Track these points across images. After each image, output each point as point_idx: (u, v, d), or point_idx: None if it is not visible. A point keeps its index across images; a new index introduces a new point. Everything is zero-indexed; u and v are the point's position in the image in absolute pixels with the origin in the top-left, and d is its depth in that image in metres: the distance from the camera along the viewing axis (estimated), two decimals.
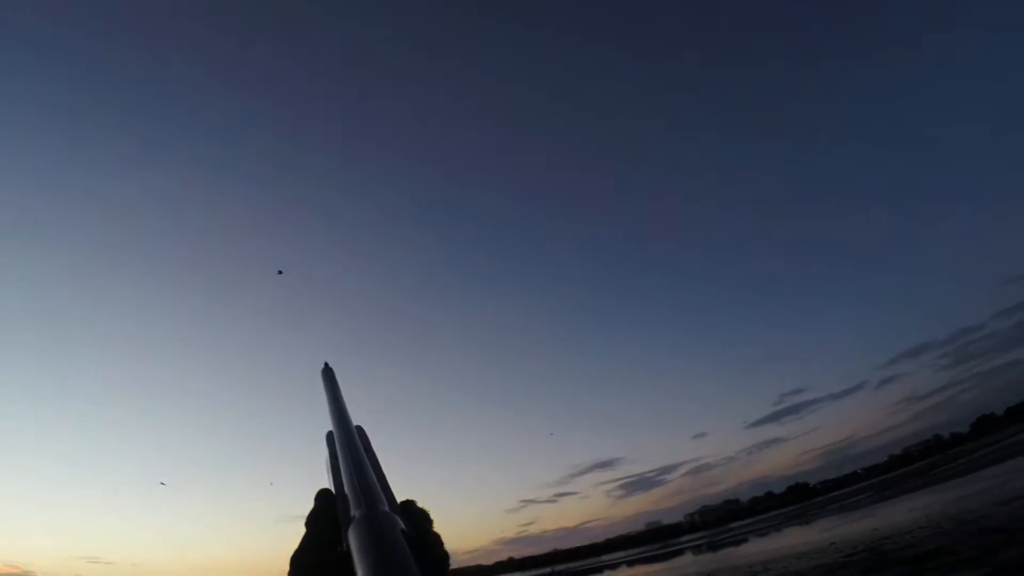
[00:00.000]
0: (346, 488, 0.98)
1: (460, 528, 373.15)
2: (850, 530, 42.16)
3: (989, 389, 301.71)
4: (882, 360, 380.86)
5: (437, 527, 1.04)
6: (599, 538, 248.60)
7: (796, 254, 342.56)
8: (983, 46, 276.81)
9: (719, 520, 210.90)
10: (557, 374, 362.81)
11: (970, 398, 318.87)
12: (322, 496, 1.02)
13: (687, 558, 74.28)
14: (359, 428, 1.23)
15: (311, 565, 0.93)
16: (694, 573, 42.68)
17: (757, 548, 57.69)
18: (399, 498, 1.06)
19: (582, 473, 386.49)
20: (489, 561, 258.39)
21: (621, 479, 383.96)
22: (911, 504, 47.60)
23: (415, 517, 0.97)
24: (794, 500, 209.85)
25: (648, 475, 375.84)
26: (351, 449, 1.08)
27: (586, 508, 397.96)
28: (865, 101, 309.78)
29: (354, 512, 0.90)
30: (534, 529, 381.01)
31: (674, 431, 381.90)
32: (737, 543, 74.06)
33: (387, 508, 0.90)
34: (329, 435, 1.22)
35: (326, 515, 0.98)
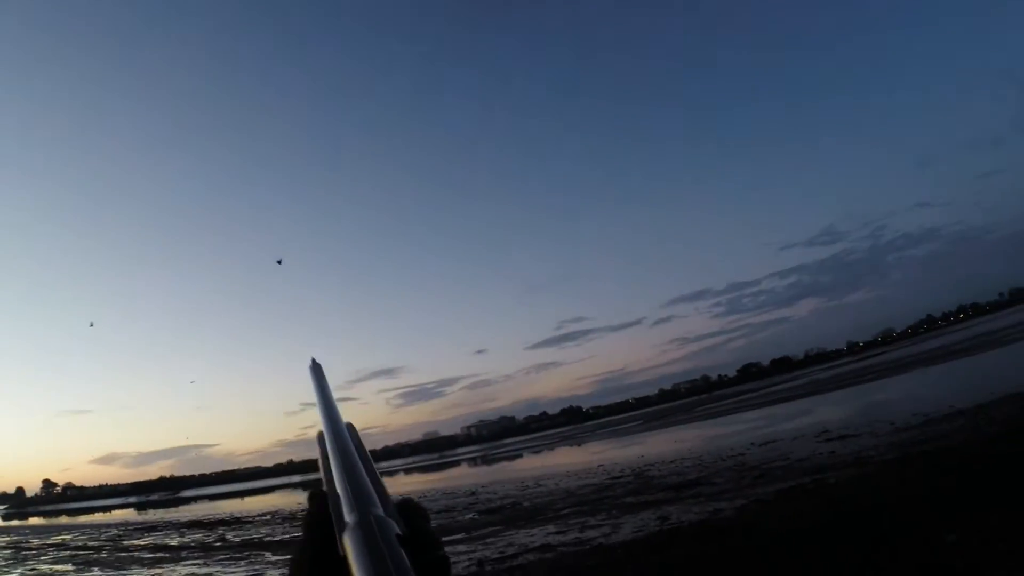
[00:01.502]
0: (339, 490, 0.91)
1: (239, 429, 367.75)
2: (618, 454, 44.46)
3: (757, 340, 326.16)
4: (661, 300, 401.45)
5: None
6: (378, 445, 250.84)
7: (590, 182, 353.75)
8: None
9: (494, 435, 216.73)
10: (342, 277, 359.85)
11: (739, 346, 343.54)
12: (316, 498, 0.95)
13: (463, 469, 76.17)
14: (349, 425, 1.14)
15: (309, 570, 0.90)
16: (469, 484, 43.74)
17: (530, 464, 59.97)
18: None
19: (364, 379, 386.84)
20: (268, 463, 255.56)
21: (402, 388, 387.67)
22: (676, 436, 50.73)
23: (411, 516, 0.89)
24: (567, 422, 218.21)
25: (428, 386, 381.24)
26: (343, 451, 1.02)
27: (366, 415, 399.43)
28: None
29: (347, 517, 0.83)
30: (312, 432, 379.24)
31: (456, 346, 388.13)
32: (511, 458, 76.69)
33: (381, 511, 0.83)
34: (320, 435, 1.13)
35: (321, 518, 0.91)
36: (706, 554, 10.36)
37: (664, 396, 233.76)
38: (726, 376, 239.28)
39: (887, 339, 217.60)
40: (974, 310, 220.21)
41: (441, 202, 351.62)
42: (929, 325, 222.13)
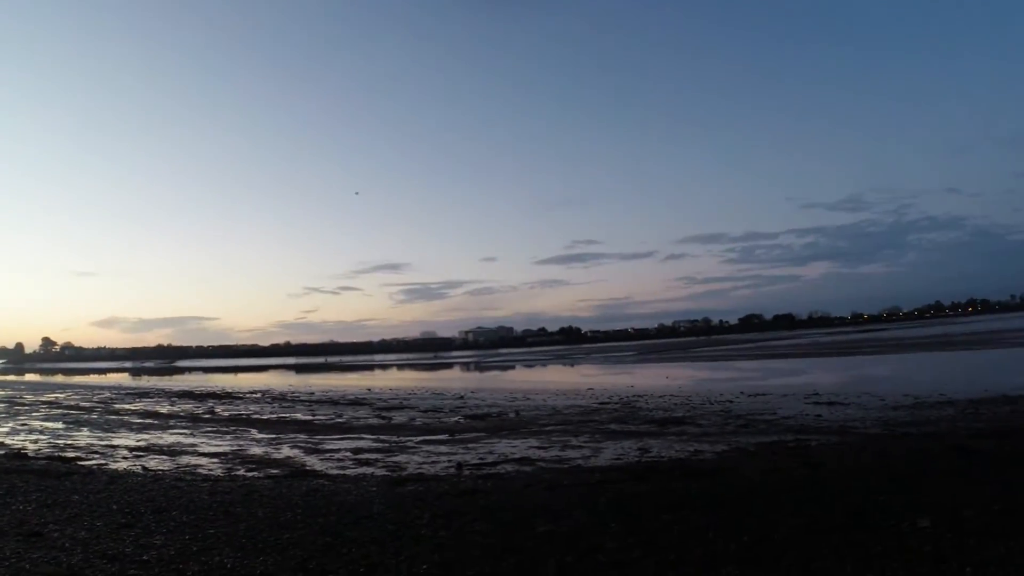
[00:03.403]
0: None
1: (241, 306, 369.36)
2: (609, 381, 44.97)
3: (763, 293, 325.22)
4: (675, 236, 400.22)
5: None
6: (374, 337, 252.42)
7: (616, 100, 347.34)
8: None
9: (491, 344, 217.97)
10: (358, 167, 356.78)
11: (744, 295, 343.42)
12: None
13: (455, 372, 77.15)
14: None
15: None
16: (459, 387, 44.39)
17: (521, 377, 60.68)
18: None
19: (369, 271, 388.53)
20: (265, 342, 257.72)
21: (405, 284, 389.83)
22: (668, 372, 51.16)
23: None
24: (564, 341, 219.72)
25: (432, 286, 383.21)
26: None
27: (367, 306, 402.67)
28: None
29: None
30: (314, 318, 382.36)
31: (465, 250, 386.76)
32: (504, 368, 77.59)
33: None
34: None
35: None
36: (680, 491, 10.59)
37: (663, 332, 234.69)
38: (727, 322, 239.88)
39: (892, 316, 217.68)
40: (983, 306, 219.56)
41: (463, 106, 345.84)
42: (936, 311, 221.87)
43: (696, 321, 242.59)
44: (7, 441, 20.94)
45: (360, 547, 8.24)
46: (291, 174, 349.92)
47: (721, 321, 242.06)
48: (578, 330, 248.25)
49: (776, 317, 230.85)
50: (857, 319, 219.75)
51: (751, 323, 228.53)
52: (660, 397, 29.68)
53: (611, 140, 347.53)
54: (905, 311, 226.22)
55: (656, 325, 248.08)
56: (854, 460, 13.00)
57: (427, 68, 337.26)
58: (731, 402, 26.13)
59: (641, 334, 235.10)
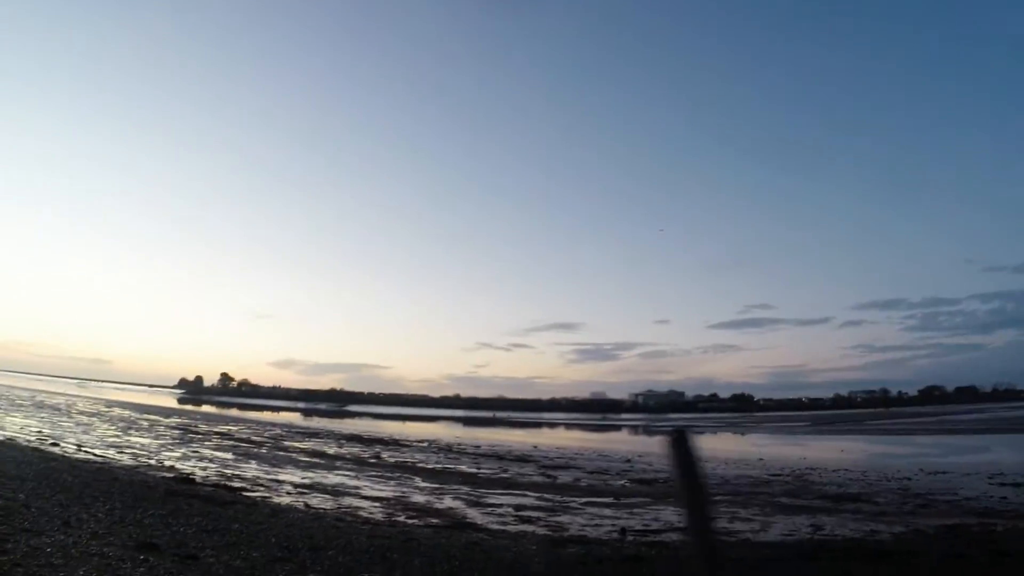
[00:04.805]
0: None
1: (414, 356, 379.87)
2: (781, 452, 43.59)
3: (945, 363, 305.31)
4: (852, 302, 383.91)
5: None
6: (545, 395, 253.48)
7: (791, 159, 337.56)
8: None
9: (661, 408, 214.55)
10: (535, 225, 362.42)
11: (924, 365, 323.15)
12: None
13: (623, 434, 76.43)
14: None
15: None
16: (626, 450, 44.11)
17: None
18: None
19: (542, 330, 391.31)
20: (436, 394, 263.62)
21: (577, 344, 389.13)
22: (843, 445, 49.08)
23: None
24: (735, 408, 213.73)
25: (604, 347, 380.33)
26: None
27: (538, 364, 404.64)
28: None
29: None
30: (485, 372, 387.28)
31: (639, 312, 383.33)
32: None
33: None
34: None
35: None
36: (854, 572, 10.34)
37: (838, 402, 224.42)
38: (906, 394, 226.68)
39: None
40: None
41: (636, 172, 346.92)
42: None
43: (873, 392, 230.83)
44: (178, 466, 22.30)
45: None
46: (471, 230, 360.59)
47: (900, 392, 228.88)
48: (750, 397, 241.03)
49: (958, 389, 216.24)
50: None
51: (931, 395, 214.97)
52: (834, 471, 28.55)
53: (785, 199, 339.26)
54: None
55: (831, 395, 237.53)
56: None
57: (606, 123, 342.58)
58: (909, 479, 24.88)
59: (815, 404, 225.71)
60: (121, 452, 24.49)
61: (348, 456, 32.03)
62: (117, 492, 14.34)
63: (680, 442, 3.09)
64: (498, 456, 36.16)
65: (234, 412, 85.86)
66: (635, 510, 18.62)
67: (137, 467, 20.75)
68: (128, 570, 8.32)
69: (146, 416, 50.42)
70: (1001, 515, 16.68)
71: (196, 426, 46.65)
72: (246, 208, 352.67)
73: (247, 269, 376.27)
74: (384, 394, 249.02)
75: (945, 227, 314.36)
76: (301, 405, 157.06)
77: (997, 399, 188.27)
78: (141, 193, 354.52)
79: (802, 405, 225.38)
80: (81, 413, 46.55)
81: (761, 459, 35.70)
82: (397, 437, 49.46)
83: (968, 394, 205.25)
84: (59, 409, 47.53)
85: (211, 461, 24.86)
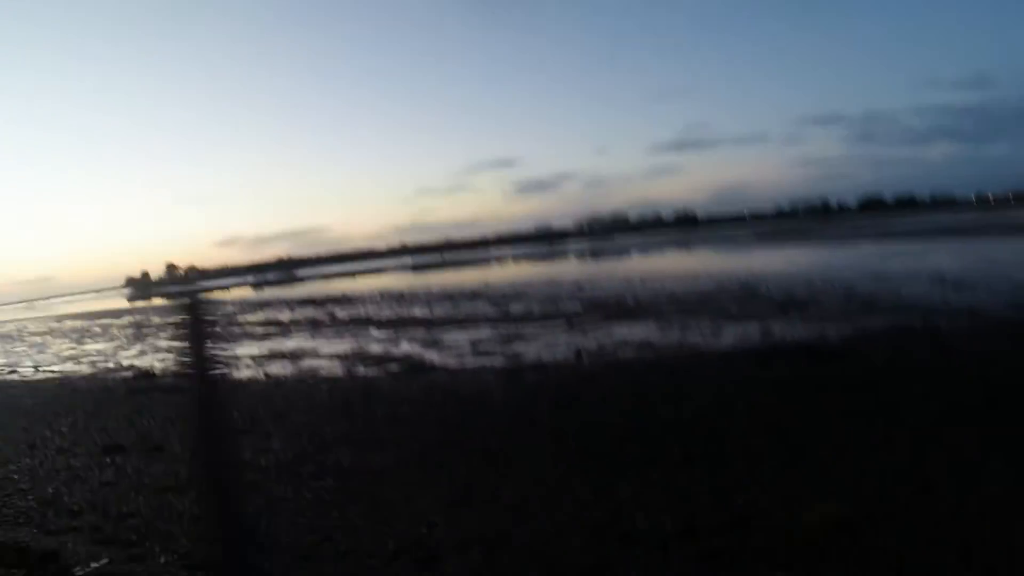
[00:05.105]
0: None
1: (355, 213, 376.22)
2: (727, 264, 44.33)
3: (883, 175, 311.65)
4: (791, 117, 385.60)
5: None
6: (491, 233, 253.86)
7: None
8: None
9: (606, 233, 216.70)
10: (462, 63, 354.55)
11: (865, 178, 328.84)
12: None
13: (571, 261, 76.81)
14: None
15: None
16: (575, 274, 44.39)
17: (638, 263, 60.24)
18: None
19: (481, 169, 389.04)
20: (382, 245, 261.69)
21: (518, 178, 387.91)
22: (787, 255, 49.95)
23: None
24: (680, 227, 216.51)
25: (545, 179, 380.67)
26: None
27: (481, 203, 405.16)
28: None
29: None
30: (429, 218, 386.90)
31: (576, 141, 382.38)
32: (620, 256, 77.07)
33: None
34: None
35: None
36: (806, 376, 10.41)
37: (780, 215, 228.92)
38: (847, 205, 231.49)
39: (1020, 199, 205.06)
40: None
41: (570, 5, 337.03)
42: None
43: (815, 204, 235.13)
44: (136, 363, 22.07)
45: (478, 439, 8.41)
46: (397, 77, 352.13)
47: (840, 204, 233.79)
48: (694, 216, 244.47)
49: (897, 199, 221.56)
50: (983, 201, 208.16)
51: (871, 205, 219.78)
52: (780, 280, 28.92)
53: (718, 20, 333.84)
54: None
55: (773, 209, 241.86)
56: (989, 345, 12.44)
57: None
58: (853, 284, 25.22)
59: (758, 218, 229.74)
60: (79, 363, 24.08)
61: (303, 320, 31.94)
62: (80, 403, 14.12)
63: (192, 310, 2.75)
64: (450, 297, 36.20)
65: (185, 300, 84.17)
66: (589, 331, 18.75)
67: (96, 374, 20.46)
68: (96, 475, 8.25)
69: (98, 322, 49.36)
70: (943, 314, 16.94)
71: (148, 320, 46.08)
72: (169, 92, 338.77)
73: (180, 153, 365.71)
74: (332, 254, 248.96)
75: (884, 40, 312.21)
76: (251, 279, 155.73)
77: (935, 208, 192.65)
78: (59, 89, 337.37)
79: (745, 220, 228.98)
80: (33, 335, 45.15)
81: (708, 273, 36.15)
82: (349, 294, 49.30)
83: (907, 204, 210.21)
84: (11, 337, 46.03)
85: (167, 351, 24.27)
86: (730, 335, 16.27)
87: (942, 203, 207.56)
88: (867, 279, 26.60)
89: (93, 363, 23.55)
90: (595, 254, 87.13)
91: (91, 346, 30.84)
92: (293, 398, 12.56)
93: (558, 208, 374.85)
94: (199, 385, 2.75)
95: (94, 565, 5.45)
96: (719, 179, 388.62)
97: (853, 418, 7.73)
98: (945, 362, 10.80)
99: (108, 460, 8.89)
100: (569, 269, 60.16)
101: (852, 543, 4.70)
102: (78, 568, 5.41)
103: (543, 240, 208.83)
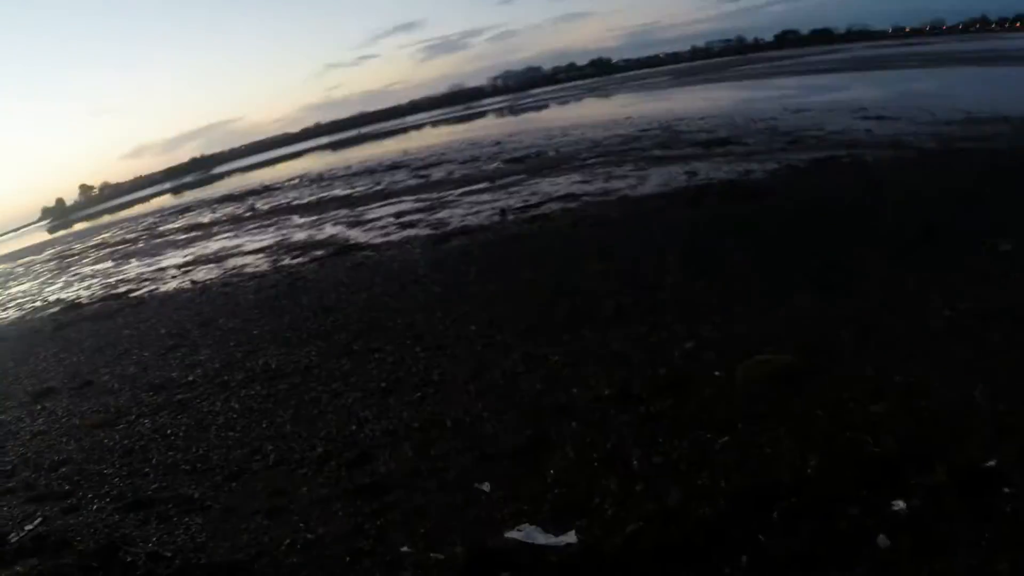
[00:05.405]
0: None
1: (264, 99, 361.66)
2: (646, 108, 43.68)
3: (798, 7, 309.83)
4: None
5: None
6: (403, 100, 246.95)
7: None
8: None
9: (521, 86, 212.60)
10: None
11: (778, 11, 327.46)
12: None
13: (488, 120, 75.30)
14: None
15: None
16: (494, 134, 43.46)
17: (557, 114, 59.36)
18: None
19: (384, 36, 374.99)
20: (295, 128, 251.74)
21: (424, 42, 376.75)
22: (706, 95, 49.58)
23: None
24: (595, 74, 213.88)
25: (451, 39, 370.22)
26: None
27: (391, 72, 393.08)
28: None
29: None
30: (339, 94, 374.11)
31: None
32: (537, 108, 75.76)
33: None
34: None
35: None
36: (736, 214, 10.16)
37: (696, 54, 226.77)
38: (762, 40, 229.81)
39: (935, 30, 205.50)
40: None
41: None
42: (982, 25, 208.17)
43: (730, 41, 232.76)
44: (62, 296, 20.71)
45: (406, 317, 8.13)
46: None
47: (756, 39, 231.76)
48: (608, 60, 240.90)
49: (813, 32, 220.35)
50: (899, 32, 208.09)
51: (787, 40, 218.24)
52: (701, 119, 28.50)
53: None
54: (949, 24, 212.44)
55: (689, 48, 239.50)
56: (916, 176, 12.25)
57: None
58: (775, 119, 24.93)
59: (673, 59, 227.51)
60: (5, 309, 22.42)
61: (224, 218, 30.71)
62: (7, 353, 13.16)
63: None
64: (370, 171, 35.05)
65: (106, 219, 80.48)
66: (511, 189, 18.29)
67: (24, 316, 19.02)
68: (27, 426, 7.75)
69: (20, 261, 46.77)
70: (869, 146, 16.73)
71: (70, 249, 42.94)
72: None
73: (77, 62, 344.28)
74: (245, 145, 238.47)
75: None
76: (167, 185, 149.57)
77: (852, 40, 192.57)
78: None
79: (661, 61, 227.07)
80: None
81: (628, 117, 35.39)
82: (268, 183, 47.16)
83: (823, 37, 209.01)
84: None
85: (92, 277, 23.17)
86: (656, 178, 15.93)
87: (859, 35, 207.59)
88: (789, 113, 26.42)
89: (20, 305, 22.19)
90: (512, 110, 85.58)
91: (15, 287, 29.15)
92: (219, 303, 12.04)
93: (469, 65, 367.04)
94: None
95: (28, 528, 5.17)
96: (631, 20, 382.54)
97: (786, 257, 7.48)
98: (873, 194, 10.59)
99: (39, 407, 8.42)
100: (487, 128, 59.09)
101: (794, 395, 4.47)
102: (12, 535, 5.09)
103: (459, 101, 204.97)
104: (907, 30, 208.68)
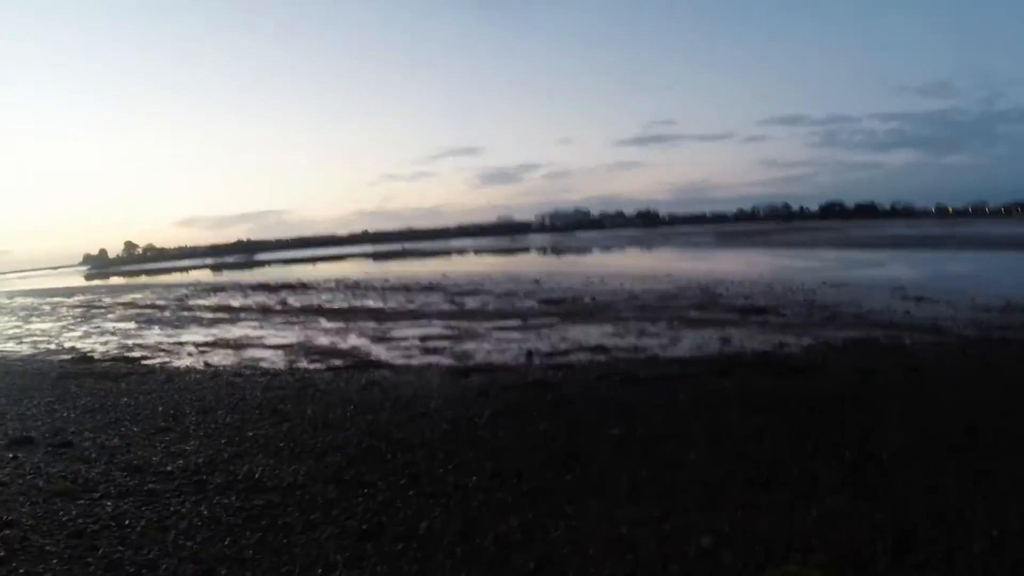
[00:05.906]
0: None
1: (318, 197, 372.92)
2: (687, 265, 43.85)
3: (845, 180, 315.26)
4: (755, 117, 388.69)
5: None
6: (452, 223, 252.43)
7: None
8: None
9: (568, 227, 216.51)
10: (430, 50, 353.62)
11: (826, 182, 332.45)
12: None
13: (531, 256, 76.37)
14: None
15: None
16: (534, 271, 43.76)
17: (599, 260, 59.88)
18: None
19: (445, 156, 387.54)
20: (343, 231, 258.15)
21: (481, 168, 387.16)
22: (748, 258, 49.79)
23: None
24: (641, 225, 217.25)
25: (508, 169, 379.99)
26: None
27: (443, 192, 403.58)
28: None
29: None
30: (391, 205, 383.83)
31: (541, 132, 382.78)
32: (580, 252, 76.71)
33: None
34: None
35: None
36: (768, 390, 9.75)
37: (742, 217, 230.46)
38: (808, 209, 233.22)
39: (978, 211, 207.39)
40: None
41: None
42: None
43: (776, 207, 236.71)
44: (78, 345, 20.96)
45: (407, 453, 7.68)
46: (364, 62, 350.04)
47: (802, 208, 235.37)
48: (655, 213, 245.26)
49: (858, 206, 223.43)
50: (941, 212, 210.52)
51: (832, 211, 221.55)
52: (740, 284, 28.47)
53: (688, 17, 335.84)
54: (992, 207, 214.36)
55: (735, 210, 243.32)
56: (956, 364, 11.85)
57: None
58: (814, 292, 24.79)
59: (719, 219, 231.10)
60: (20, 343, 22.65)
61: (254, 306, 31.02)
62: (6, 388, 13.16)
63: None
64: (406, 288, 35.36)
65: (141, 279, 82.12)
66: (542, 331, 18.08)
67: (35, 355, 19.21)
68: None
69: (49, 300, 47.70)
70: (908, 328, 16.41)
71: (100, 300, 44.04)
72: (129, 59, 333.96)
73: (142, 130, 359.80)
74: (292, 239, 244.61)
75: (851, 44, 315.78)
76: (209, 261, 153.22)
77: (895, 216, 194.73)
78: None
79: (706, 220, 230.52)
80: None
81: (668, 274, 35.53)
82: (305, 280, 48.13)
83: (867, 211, 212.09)
84: None
85: (112, 334, 23.45)
86: (688, 341, 15.65)
87: (902, 212, 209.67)
88: (829, 287, 26.21)
89: (35, 343, 22.28)
90: (556, 249, 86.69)
91: (37, 325, 29.42)
92: (225, 393, 11.74)
93: (521, 198, 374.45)
94: None
95: None
96: (682, 176, 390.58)
97: (818, 444, 7.02)
98: (912, 383, 10.16)
99: (10, 455, 8.13)
100: (528, 264, 59.57)
101: None
102: None
103: (504, 232, 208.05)
104: (950, 211, 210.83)
